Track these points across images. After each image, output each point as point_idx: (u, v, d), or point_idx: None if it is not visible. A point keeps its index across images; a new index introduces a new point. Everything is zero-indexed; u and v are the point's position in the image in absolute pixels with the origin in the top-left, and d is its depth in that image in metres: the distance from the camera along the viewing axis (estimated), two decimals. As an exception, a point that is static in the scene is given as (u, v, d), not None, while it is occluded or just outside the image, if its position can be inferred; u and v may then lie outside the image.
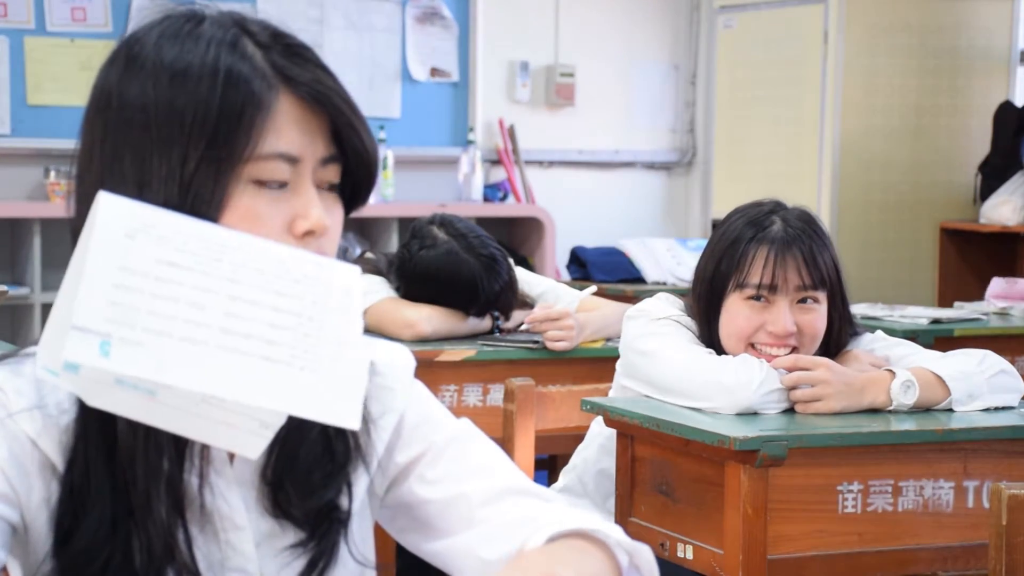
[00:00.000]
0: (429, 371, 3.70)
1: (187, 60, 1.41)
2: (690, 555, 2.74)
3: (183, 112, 1.40)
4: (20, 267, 6.36)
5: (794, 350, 2.90)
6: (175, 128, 1.40)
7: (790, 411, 2.82)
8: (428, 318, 3.82)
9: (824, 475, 2.71)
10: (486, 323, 3.93)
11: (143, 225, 1.27)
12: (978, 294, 5.53)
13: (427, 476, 1.59)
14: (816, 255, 2.88)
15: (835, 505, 2.72)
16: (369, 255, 4.11)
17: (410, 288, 3.82)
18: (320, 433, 1.50)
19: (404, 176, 7.25)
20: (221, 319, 1.26)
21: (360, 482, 1.56)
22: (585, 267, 6.66)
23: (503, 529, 1.54)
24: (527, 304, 4.00)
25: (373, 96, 7.21)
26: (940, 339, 4.63)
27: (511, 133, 7.59)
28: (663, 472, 2.82)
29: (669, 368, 2.87)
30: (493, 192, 7.44)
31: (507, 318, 3.97)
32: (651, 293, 3.26)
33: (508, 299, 3.92)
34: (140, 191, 1.39)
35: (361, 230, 7.06)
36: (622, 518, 2.90)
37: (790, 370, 2.81)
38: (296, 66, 1.45)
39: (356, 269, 1.35)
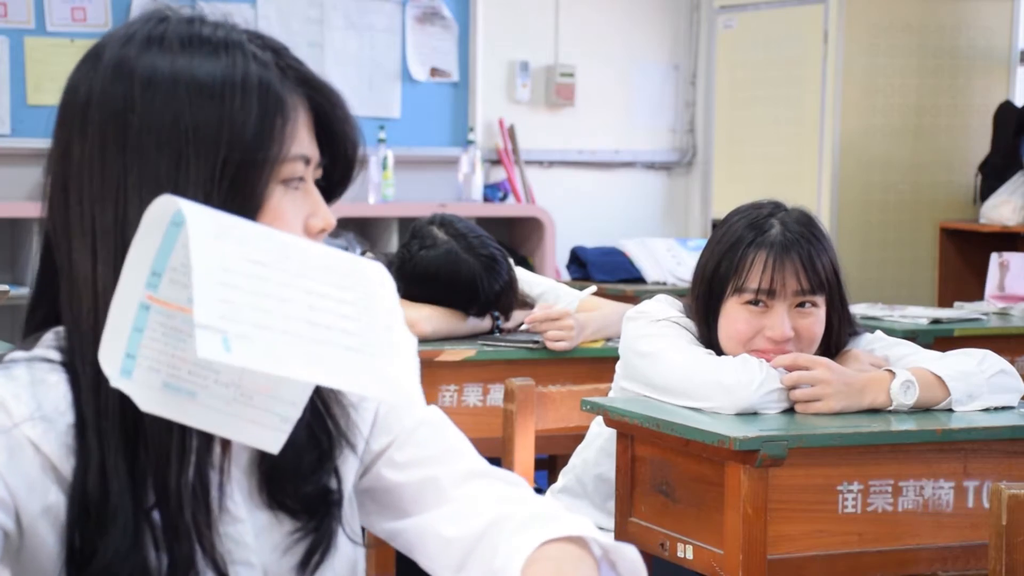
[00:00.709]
0: (429, 371, 3.70)
1: (212, 73, 1.46)
2: (690, 555, 2.74)
3: (220, 125, 1.45)
4: (20, 267, 6.35)
5: None
6: (211, 139, 1.44)
7: (790, 411, 2.82)
8: (428, 318, 3.81)
9: (824, 475, 2.71)
10: (486, 323, 3.93)
11: (222, 228, 1.34)
12: (978, 294, 5.53)
13: (396, 459, 1.63)
14: (815, 259, 2.88)
15: (835, 505, 2.72)
16: (369, 255, 4.10)
17: (410, 288, 3.82)
18: (304, 422, 1.51)
19: (404, 176, 7.24)
20: (305, 312, 1.34)
21: (349, 465, 1.60)
22: (585, 267, 6.66)
23: (467, 509, 1.58)
24: (527, 304, 4.00)
25: (373, 96, 7.21)
26: (940, 339, 4.63)
27: (511, 133, 7.59)
28: (663, 472, 2.82)
29: (669, 369, 2.86)
30: (493, 192, 7.44)
31: (507, 318, 3.97)
32: (651, 293, 3.26)
33: (508, 299, 3.91)
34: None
35: (361, 230, 7.05)
36: (622, 518, 2.90)
37: (790, 369, 2.81)
38: (303, 71, 1.52)
39: (380, 264, 1.44)
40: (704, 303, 2.93)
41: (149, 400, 1.34)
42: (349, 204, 6.44)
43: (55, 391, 1.44)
